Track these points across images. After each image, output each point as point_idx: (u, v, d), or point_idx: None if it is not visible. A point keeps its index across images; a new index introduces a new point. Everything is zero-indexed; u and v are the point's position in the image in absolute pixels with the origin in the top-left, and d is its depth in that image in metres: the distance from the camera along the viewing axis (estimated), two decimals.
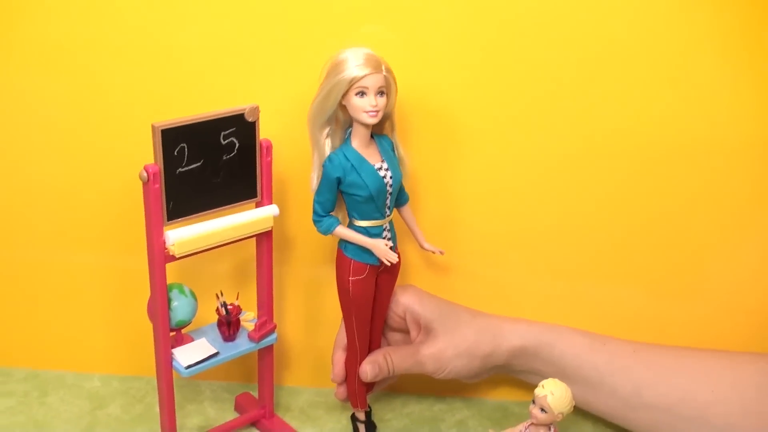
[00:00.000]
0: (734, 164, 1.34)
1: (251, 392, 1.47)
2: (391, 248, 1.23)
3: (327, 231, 1.22)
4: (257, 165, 1.21)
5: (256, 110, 1.17)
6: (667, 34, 1.28)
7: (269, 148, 1.22)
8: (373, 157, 1.19)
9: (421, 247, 1.31)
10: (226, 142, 1.17)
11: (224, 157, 1.17)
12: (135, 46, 1.31)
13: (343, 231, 1.21)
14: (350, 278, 1.24)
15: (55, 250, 1.46)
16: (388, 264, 1.22)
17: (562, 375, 1.30)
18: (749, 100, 1.30)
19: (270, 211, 1.24)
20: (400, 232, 1.30)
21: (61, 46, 1.32)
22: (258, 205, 1.25)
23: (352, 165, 1.17)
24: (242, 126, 1.17)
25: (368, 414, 1.40)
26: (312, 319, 1.49)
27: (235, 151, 1.18)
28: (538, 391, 1.16)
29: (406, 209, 1.30)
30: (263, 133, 1.20)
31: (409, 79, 1.24)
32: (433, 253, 1.31)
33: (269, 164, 1.23)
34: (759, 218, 1.38)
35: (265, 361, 1.36)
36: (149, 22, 1.30)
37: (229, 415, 1.45)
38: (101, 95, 1.35)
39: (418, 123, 1.33)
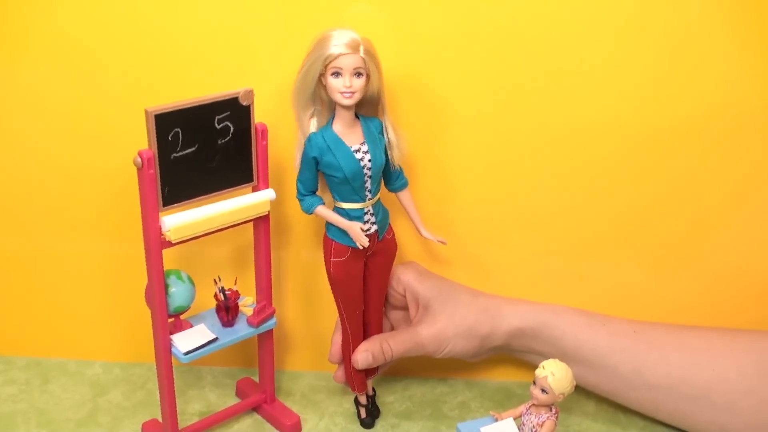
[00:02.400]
0: (734, 139, 1.33)
1: (252, 377, 1.46)
2: (375, 231, 1.24)
3: (308, 210, 1.23)
4: (253, 149, 1.21)
5: (250, 93, 1.17)
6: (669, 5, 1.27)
7: (264, 131, 1.21)
8: (353, 139, 1.19)
9: (420, 234, 1.30)
10: (220, 126, 1.16)
11: (219, 142, 1.16)
12: (128, 30, 1.30)
13: (323, 211, 1.22)
14: (331, 259, 1.25)
15: (55, 237, 1.45)
16: (360, 248, 1.21)
17: (563, 355, 1.30)
18: (746, 74, 1.29)
19: (266, 195, 1.23)
20: (399, 215, 1.30)
21: (56, 31, 1.31)
22: (254, 189, 1.24)
23: (328, 146, 1.17)
24: (237, 110, 1.16)
25: (372, 398, 1.40)
26: (312, 302, 1.48)
27: (230, 136, 1.17)
28: (538, 372, 1.15)
29: (405, 194, 1.29)
30: (258, 116, 1.20)
31: (401, 60, 1.24)
32: (434, 241, 1.30)
33: (265, 148, 1.22)
34: (759, 194, 1.37)
35: (265, 346, 1.36)
36: (142, 4, 1.29)
37: (231, 401, 1.44)
38: (95, 81, 1.33)
39: (410, 104, 1.32)
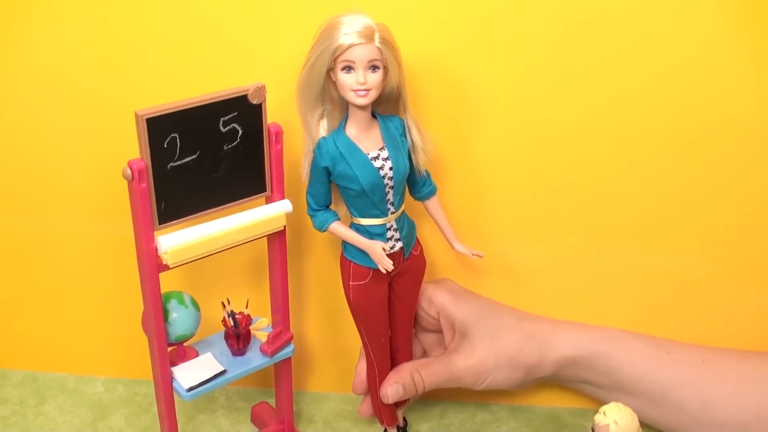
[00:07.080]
0: None
1: (269, 399, 1.35)
2: (400, 249, 1.10)
3: (321, 227, 1.09)
4: (265, 154, 1.08)
5: (261, 90, 1.04)
6: None
7: (279, 133, 1.08)
8: (371, 144, 1.05)
9: (452, 248, 1.16)
10: (226, 129, 1.03)
11: (225, 147, 1.04)
12: (129, 20, 1.19)
13: (338, 229, 1.08)
14: (350, 283, 1.11)
15: (54, 238, 1.36)
16: (384, 272, 1.07)
17: (619, 387, 1.23)
18: None
19: (282, 207, 1.10)
20: (426, 222, 1.18)
21: (58, 15, 1.20)
22: (268, 200, 1.11)
23: (341, 153, 1.03)
24: (246, 109, 1.04)
25: (403, 429, 1.29)
26: (337, 316, 1.36)
27: (238, 140, 1.05)
28: (598, 419, 1.03)
29: (433, 202, 1.15)
30: (271, 116, 1.07)
31: (423, 47, 1.14)
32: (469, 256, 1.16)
33: (279, 152, 1.09)
34: None
35: (283, 374, 1.23)
36: None
37: (245, 428, 1.33)
38: (92, 81, 1.23)
39: (436, 99, 1.20)
